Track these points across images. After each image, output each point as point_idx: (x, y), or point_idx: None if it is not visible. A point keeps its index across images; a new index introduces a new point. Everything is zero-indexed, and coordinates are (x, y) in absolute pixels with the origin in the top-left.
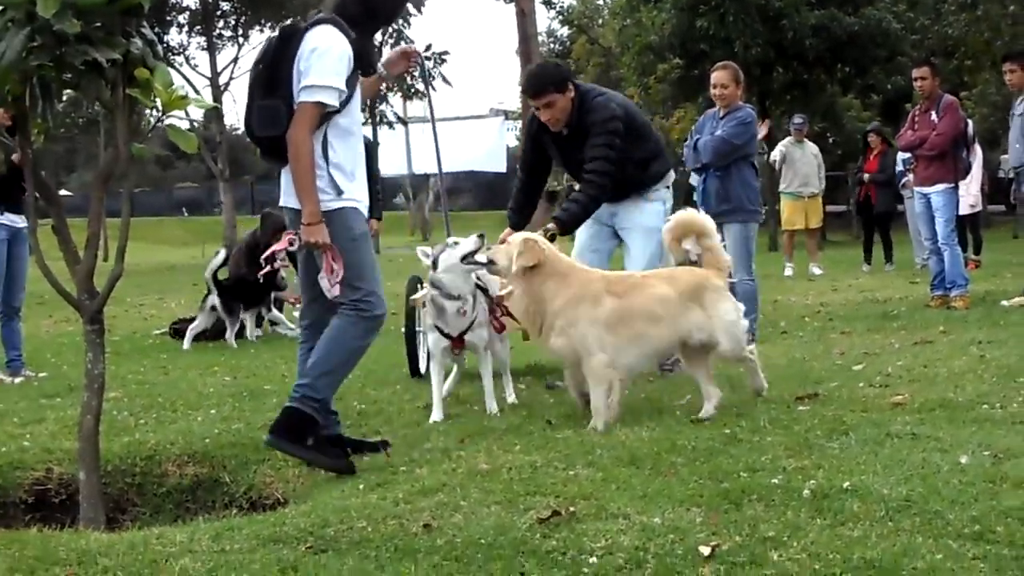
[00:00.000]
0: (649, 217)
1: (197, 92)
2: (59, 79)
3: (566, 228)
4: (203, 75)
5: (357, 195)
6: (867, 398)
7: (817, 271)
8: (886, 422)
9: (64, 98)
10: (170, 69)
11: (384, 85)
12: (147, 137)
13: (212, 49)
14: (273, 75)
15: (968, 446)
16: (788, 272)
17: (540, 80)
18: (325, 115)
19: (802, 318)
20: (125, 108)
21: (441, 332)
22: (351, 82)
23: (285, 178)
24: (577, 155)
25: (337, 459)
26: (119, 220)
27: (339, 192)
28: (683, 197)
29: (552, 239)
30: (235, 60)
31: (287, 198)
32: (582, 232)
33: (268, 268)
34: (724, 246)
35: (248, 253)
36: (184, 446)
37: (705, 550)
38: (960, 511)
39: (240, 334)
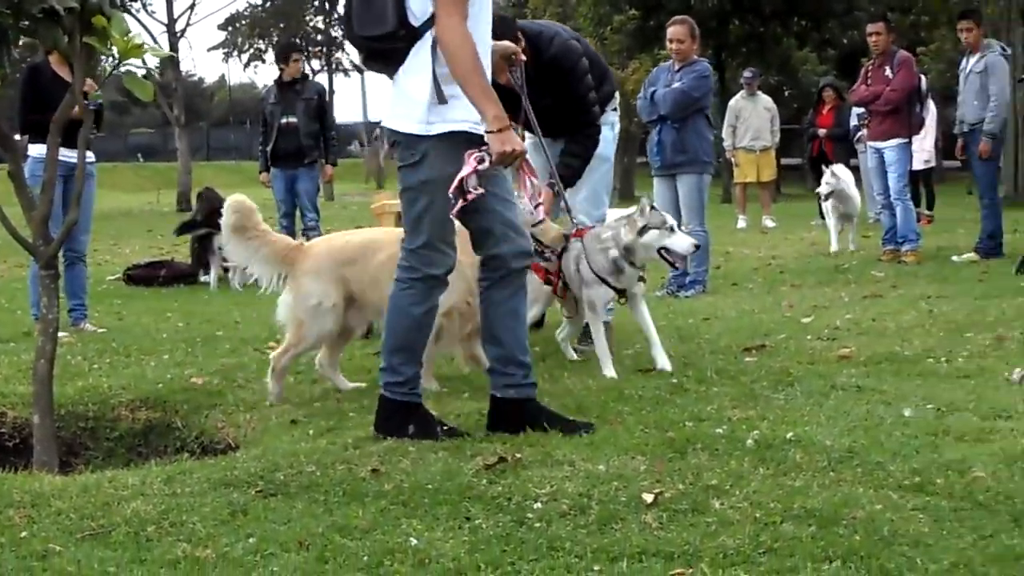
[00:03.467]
0: (600, 144)
1: (154, 39)
2: (16, 26)
3: (570, 183)
4: (160, 21)
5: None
6: (814, 350)
7: (770, 223)
8: (832, 374)
9: (20, 44)
10: (127, 16)
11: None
12: (104, 84)
13: None
14: None
15: (912, 399)
16: (741, 224)
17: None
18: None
19: (753, 270)
20: (82, 56)
21: (612, 287)
22: None
23: (394, 92)
24: (537, 102)
25: (437, 434)
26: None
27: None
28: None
29: (557, 196)
30: (192, 6)
31: (395, 119)
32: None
33: (462, 201)
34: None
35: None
36: (137, 391)
37: (648, 497)
38: (901, 463)
39: (195, 281)
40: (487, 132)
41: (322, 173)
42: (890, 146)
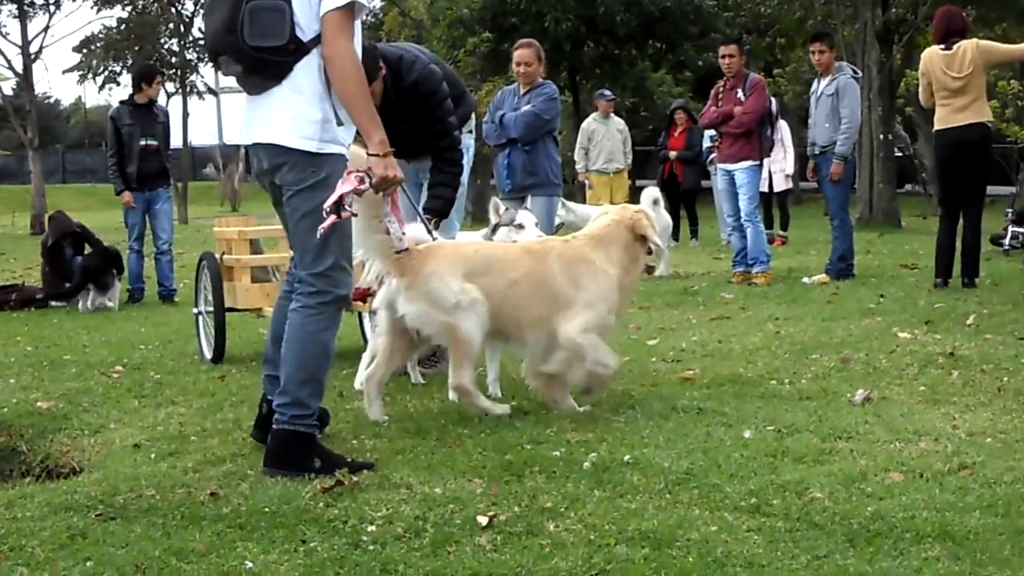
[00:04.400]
0: None
1: (8, 61)
2: None
3: (445, 214)
4: (14, 43)
5: (346, 138)
6: (658, 372)
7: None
8: (674, 396)
9: None
10: None
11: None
12: None
13: (23, 16)
14: None
15: (753, 421)
16: None
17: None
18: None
19: None
20: None
21: None
22: None
23: (254, 106)
24: (396, 127)
25: (352, 463)
26: None
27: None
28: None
29: (438, 227)
30: (46, 29)
31: (283, 136)
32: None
33: (334, 217)
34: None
35: (42, 249)
36: None
37: (483, 520)
38: (739, 484)
39: (45, 304)
40: (370, 155)
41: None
42: (741, 168)
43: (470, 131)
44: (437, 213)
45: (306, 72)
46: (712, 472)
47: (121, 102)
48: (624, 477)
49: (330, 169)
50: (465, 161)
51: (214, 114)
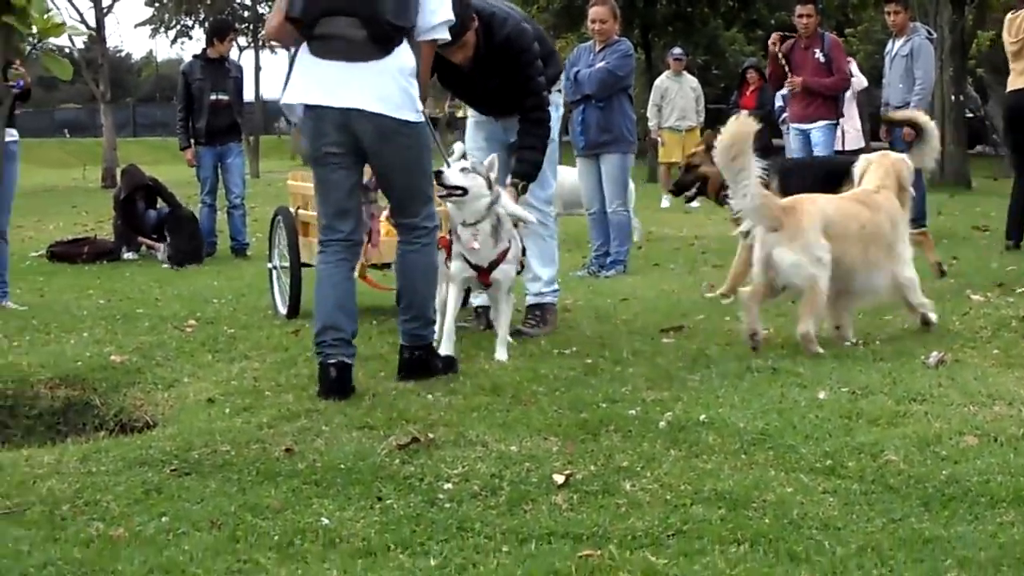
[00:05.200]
0: None
1: (81, 15)
2: None
3: (532, 178)
4: None
5: None
6: (732, 331)
7: (694, 204)
8: (748, 356)
9: None
10: None
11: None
12: (28, 63)
13: None
14: None
15: (827, 382)
16: (665, 204)
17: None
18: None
19: (675, 250)
20: (0, 35)
21: (469, 263)
22: None
23: (353, 73)
24: (485, 83)
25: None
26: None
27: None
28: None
29: (524, 191)
30: None
31: (374, 102)
32: (477, 155)
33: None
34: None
35: (114, 203)
36: (56, 369)
37: (559, 478)
38: (814, 445)
39: (116, 257)
40: None
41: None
42: (817, 127)
43: (559, 90)
44: (524, 176)
45: (407, 51)
46: (787, 433)
47: (194, 56)
48: (700, 437)
49: (423, 131)
50: (554, 120)
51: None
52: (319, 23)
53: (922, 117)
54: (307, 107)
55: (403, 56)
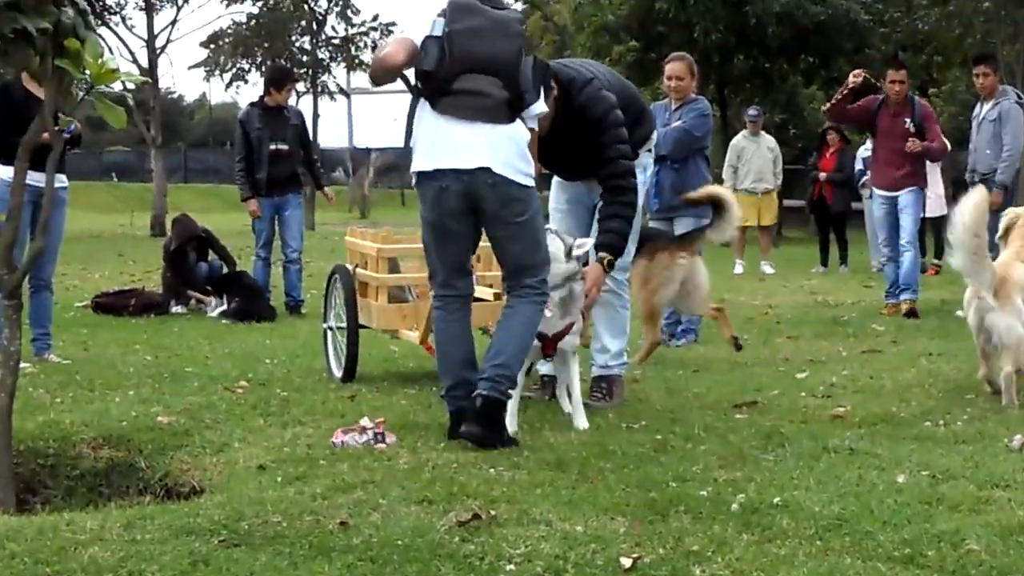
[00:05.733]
0: None
1: (132, 55)
2: None
3: (618, 251)
4: (139, 36)
5: None
6: (808, 408)
7: (768, 270)
8: (825, 435)
9: None
10: (105, 30)
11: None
12: (76, 108)
13: (150, 9)
14: None
15: (907, 464)
16: (738, 270)
17: None
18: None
19: (748, 319)
20: (54, 79)
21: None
22: None
23: (479, 133)
24: (562, 149)
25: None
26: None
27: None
28: None
29: (611, 266)
30: (173, 22)
31: (500, 165)
32: (559, 216)
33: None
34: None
35: (164, 253)
36: (100, 428)
37: (627, 562)
38: (892, 532)
39: (165, 310)
40: None
41: (325, 199)
42: (904, 193)
43: (649, 150)
44: (609, 249)
45: (520, 123)
46: (864, 518)
47: (251, 104)
48: (773, 520)
49: (536, 197)
50: (641, 184)
51: (344, 115)
52: (460, 79)
53: (723, 192)
54: (423, 173)
55: (519, 126)
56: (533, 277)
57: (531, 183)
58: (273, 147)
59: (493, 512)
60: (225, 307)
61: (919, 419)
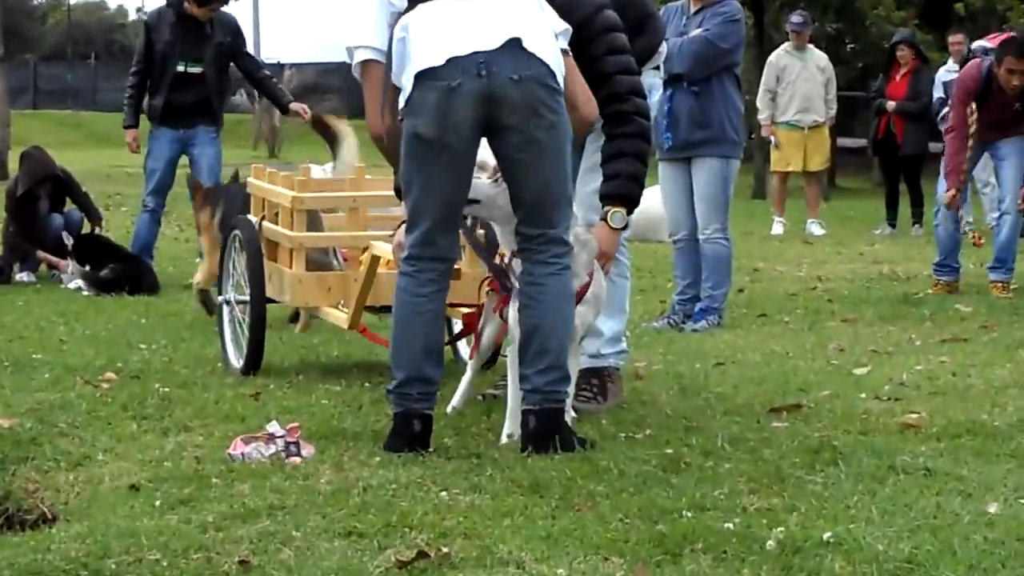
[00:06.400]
0: None
1: None
2: None
3: (632, 200)
4: None
5: None
6: (869, 415)
7: (817, 230)
8: (892, 451)
9: None
10: None
11: None
12: None
13: None
14: None
15: (1001, 490)
16: (777, 230)
17: None
18: None
19: (790, 296)
20: None
21: None
22: None
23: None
24: None
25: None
26: None
27: None
28: None
29: (626, 227)
30: None
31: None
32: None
33: None
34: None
35: (7, 200)
36: None
37: None
38: None
39: (6, 278)
40: None
41: (299, 115)
42: (1007, 142)
43: (657, 67)
44: (621, 199)
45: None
46: (945, 561)
47: (168, 4)
48: (822, 563)
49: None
50: (653, 104)
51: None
52: None
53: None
54: (427, 72)
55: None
56: (555, 226)
57: (562, 87)
58: (181, 68)
59: (445, 549)
60: (87, 275)
61: (1016, 430)
